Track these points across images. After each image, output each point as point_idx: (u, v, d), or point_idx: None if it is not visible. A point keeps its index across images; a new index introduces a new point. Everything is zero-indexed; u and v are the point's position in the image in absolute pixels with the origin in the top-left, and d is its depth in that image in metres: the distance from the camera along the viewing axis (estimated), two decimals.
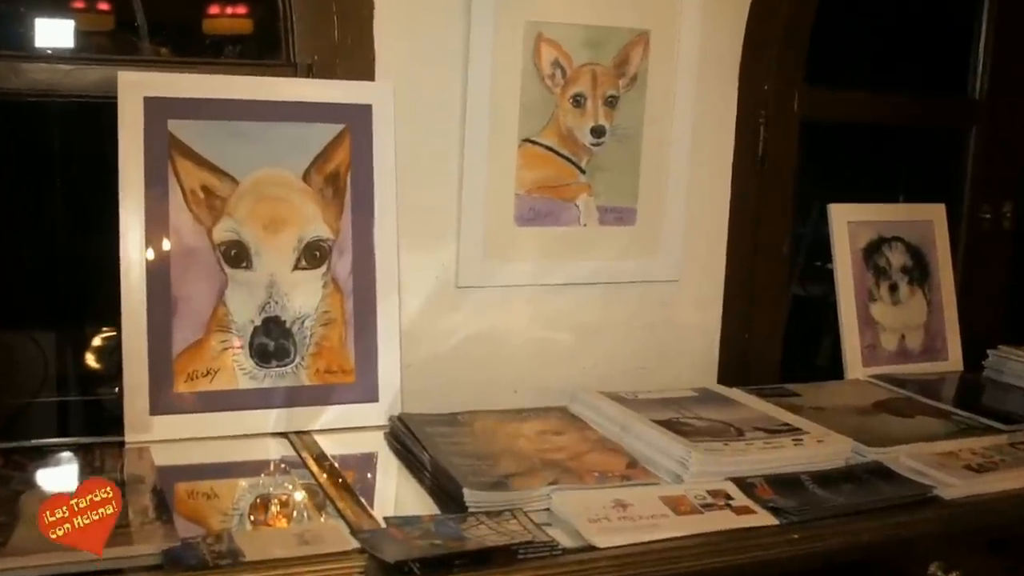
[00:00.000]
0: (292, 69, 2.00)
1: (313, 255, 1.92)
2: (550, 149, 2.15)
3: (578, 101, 2.16)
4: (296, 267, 1.91)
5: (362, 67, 2.01)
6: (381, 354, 1.95)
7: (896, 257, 2.48)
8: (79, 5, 2.32)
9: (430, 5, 2.04)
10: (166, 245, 1.84)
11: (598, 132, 2.18)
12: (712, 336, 2.38)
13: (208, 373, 1.86)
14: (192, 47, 2.37)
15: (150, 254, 1.83)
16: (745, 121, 2.35)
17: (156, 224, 1.84)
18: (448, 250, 2.11)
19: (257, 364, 1.88)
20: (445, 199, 2.10)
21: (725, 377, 2.36)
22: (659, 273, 2.29)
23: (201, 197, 1.87)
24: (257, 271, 1.89)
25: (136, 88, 1.84)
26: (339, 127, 1.95)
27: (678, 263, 2.30)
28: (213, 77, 1.92)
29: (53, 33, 2.26)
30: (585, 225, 2.20)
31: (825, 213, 2.45)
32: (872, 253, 2.46)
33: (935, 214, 2.56)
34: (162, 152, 1.85)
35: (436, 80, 2.07)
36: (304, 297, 1.92)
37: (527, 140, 2.13)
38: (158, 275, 1.84)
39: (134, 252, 1.82)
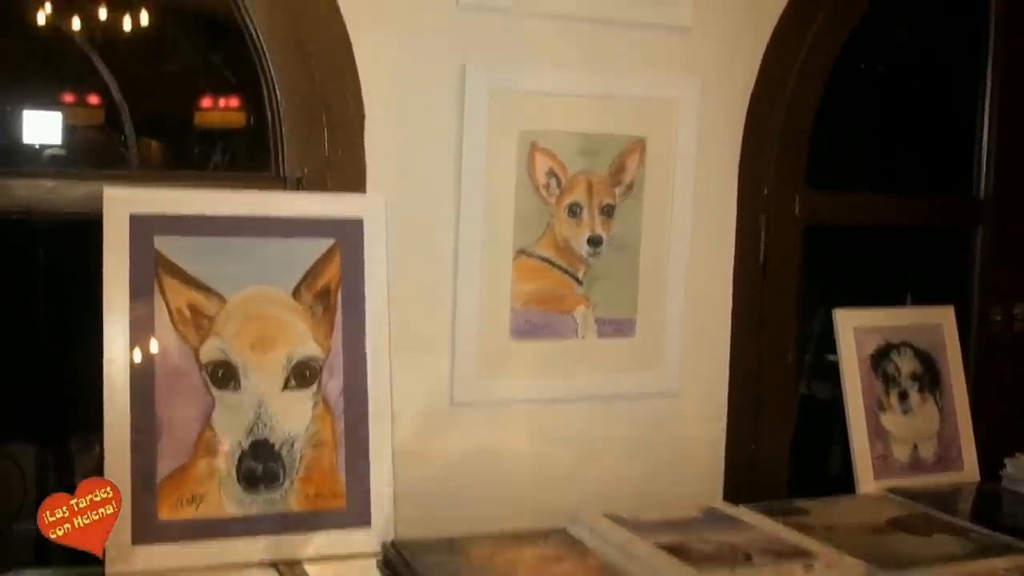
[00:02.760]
0: (281, 182, 1.96)
1: (303, 375, 1.87)
2: (546, 260, 2.11)
3: (574, 211, 2.12)
4: (285, 387, 1.85)
5: (353, 179, 1.98)
6: (373, 477, 1.88)
7: (905, 363, 2.42)
8: (69, 99, 2.31)
9: (422, 115, 2.02)
10: (151, 366, 1.79)
11: (595, 242, 2.13)
12: (717, 449, 2.32)
13: (193, 500, 1.79)
14: (183, 141, 2.35)
15: (134, 376, 1.77)
16: (745, 226, 2.31)
17: (141, 344, 1.79)
18: (442, 366, 2.06)
19: (245, 490, 1.82)
20: (439, 313, 2.05)
21: (731, 492, 2.29)
22: (661, 385, 2.23)
23: (188, 316, 1.82)
24: (245, 392, 1.83)
25: (121, 204, 1.81)
26: (329, 242, 1.91)
27: (680, 374, 2.25)
28: (201, 193, 1.88)
29: (42, 127, 2.24)
30: (583, 338, 2.15)
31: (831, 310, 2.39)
32: (880, 360, 2.40)
33: (944, 317, 2.50)
34: (148, 270, 1.81)
35: (429, 191, 2.04)
36: (293, 418, 1.85)
37: (522, 251, 2.09)
38: (142, 398, 1.78)
39: (118, 374, 1.77)
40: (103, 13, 2.60)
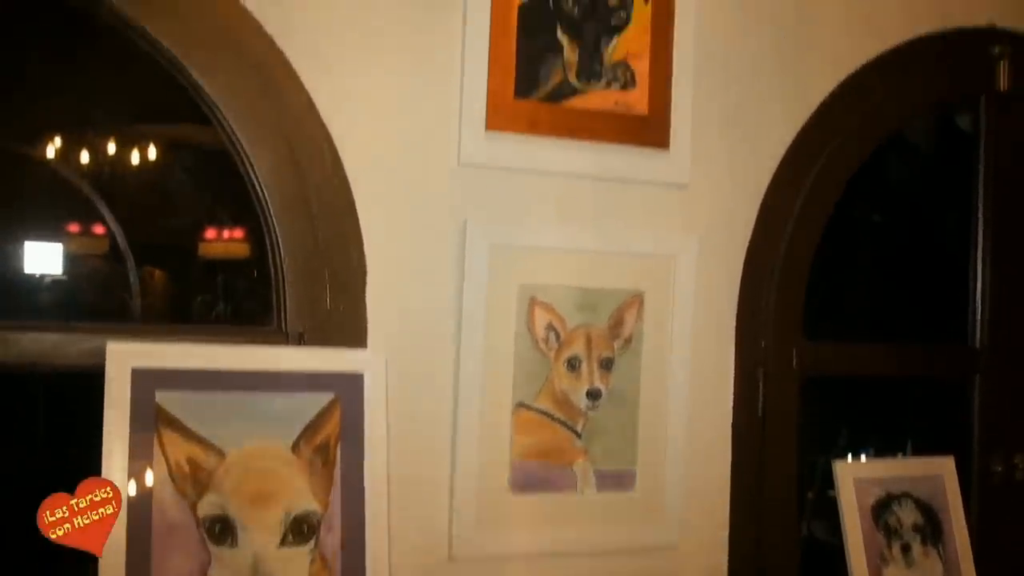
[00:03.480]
0: (283, 337, 1.98)
1: (301, 530, 1.86)
2: (545, 414, 2.12)
3: (573, 364, 2.13)
4: (283, 543, 1.84)
5: (354, 334, 2.00)
6: None
7: (907, 515, 2.40)
8: (74, 229, 2.34)
9: (424, 270, 2.05)
10: (148, 520, 1.78)
11: (594, 395, 2.14)
12: None
13: None
14: (187, 271, 2.37)
15: (131, 530, 1.76)
16: (744, 378, 2.33)
17: (138, 498, 1.78)
18: (440, 520, 2.05)
19: None
20: (438, 467, 2.05)
21: None
22: (661, 538, 2.22)
23: (186, 470, 1.82)
24: (242, 548, 1.82)
25: (124, 358, 1.82)
26: (329, 396, 1.92)
27: (680, 528, 2.23)
28: (202, 347, 1.90)
29: (44, 258, 2.26)
30: (582, 491, 2.14)
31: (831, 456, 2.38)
32: (882, 511, 2.38)
33: (944, 468, 2.49)
34: (148, 424, 1.81)
35: (429, 344, 2.05)
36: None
37: (521, 404, 2.10)
38: (139, 553, 1.77)
39: (114, 527, 1.75)
40: (110, 151, 2.66)
